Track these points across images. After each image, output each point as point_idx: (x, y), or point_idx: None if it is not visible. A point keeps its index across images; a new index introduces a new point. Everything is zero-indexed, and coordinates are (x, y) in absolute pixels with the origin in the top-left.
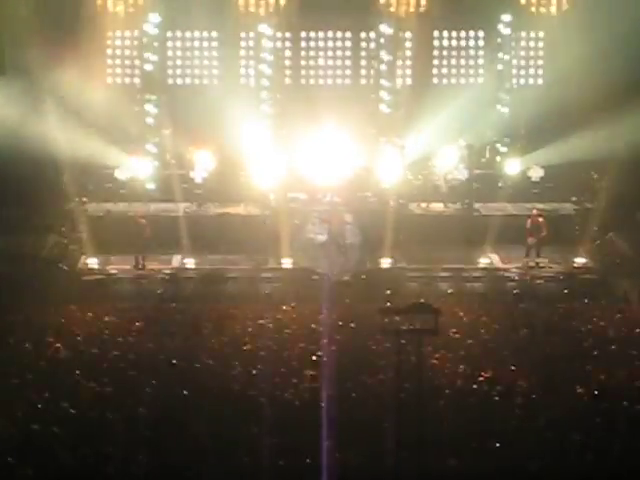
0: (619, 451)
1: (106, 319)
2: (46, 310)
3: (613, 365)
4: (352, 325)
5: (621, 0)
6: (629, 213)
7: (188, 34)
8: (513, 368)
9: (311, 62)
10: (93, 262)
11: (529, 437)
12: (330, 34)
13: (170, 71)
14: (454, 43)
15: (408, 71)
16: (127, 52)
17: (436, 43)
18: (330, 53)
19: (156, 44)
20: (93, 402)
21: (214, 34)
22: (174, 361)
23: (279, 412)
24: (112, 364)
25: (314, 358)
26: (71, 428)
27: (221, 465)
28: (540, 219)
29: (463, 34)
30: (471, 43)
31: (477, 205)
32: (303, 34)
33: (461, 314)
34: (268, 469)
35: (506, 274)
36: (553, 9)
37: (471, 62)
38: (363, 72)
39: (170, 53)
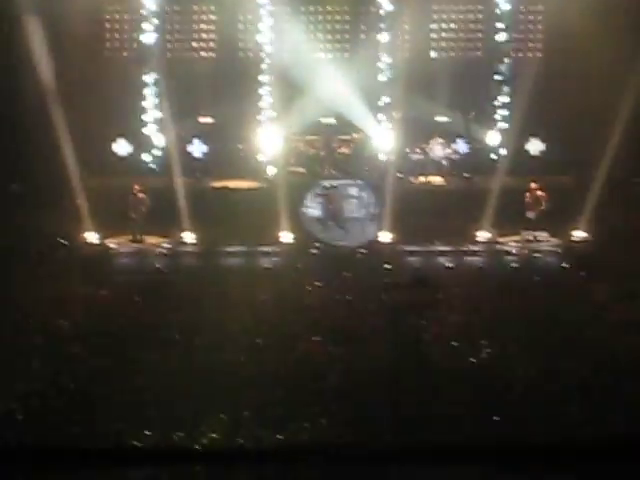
0: None
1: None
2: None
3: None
4: (349, 299)
5: None
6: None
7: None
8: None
9: (309, 35)
10: (92, 237)
11: None
12: (329, 8)
13: (169, 44)
14: (453, 16)
15: (407, 45)
16: (125, 26)
17: (435, 16)
18: (329, 26)
19: (154, 18)
20: None
21: (212, 8)
22: None
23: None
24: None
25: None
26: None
27: None
28: (539, 192)
29: (462, 7)
30: (470, 17)
31: (476, 179)
32: (301, 8)
33: (457, 289)
34: None
35: (504, 248)
36: None
37: (470, 36)
38: (362, 45)
39: (169, 26)
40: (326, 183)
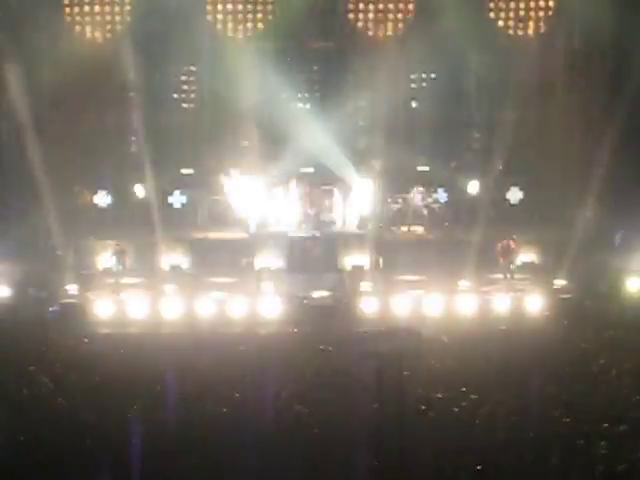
0: None
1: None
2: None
3: None
4: (331, 349)
5: None
6: (608, 236)
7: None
8: None
9: (287, 86)
10: (73, 288)
11: None
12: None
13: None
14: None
15: (380, 95)
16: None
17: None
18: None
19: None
20: None
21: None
22: None
23: None
24: None
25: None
26: None
27: None
28: (511, 242)
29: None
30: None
31: (457, 228)
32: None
33: (443, 338)
34: None
35: (486, 297)
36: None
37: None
38: (337, 93)
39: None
40: (307, 234)
